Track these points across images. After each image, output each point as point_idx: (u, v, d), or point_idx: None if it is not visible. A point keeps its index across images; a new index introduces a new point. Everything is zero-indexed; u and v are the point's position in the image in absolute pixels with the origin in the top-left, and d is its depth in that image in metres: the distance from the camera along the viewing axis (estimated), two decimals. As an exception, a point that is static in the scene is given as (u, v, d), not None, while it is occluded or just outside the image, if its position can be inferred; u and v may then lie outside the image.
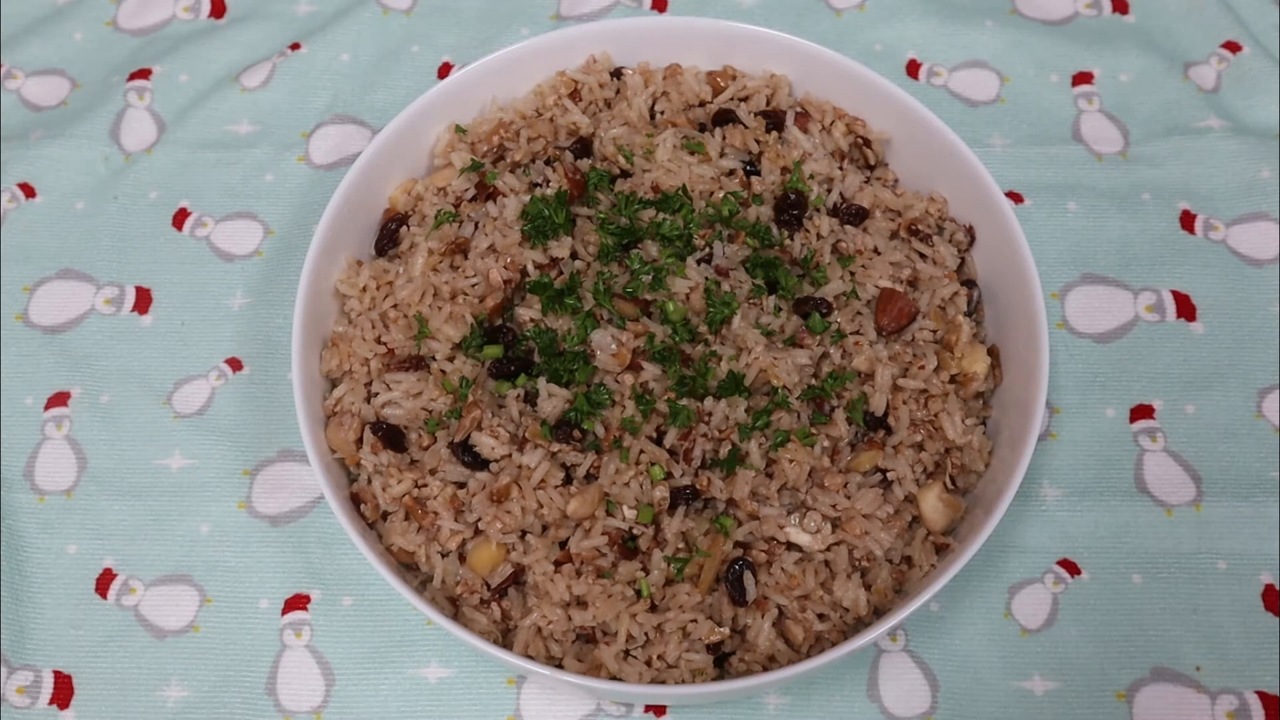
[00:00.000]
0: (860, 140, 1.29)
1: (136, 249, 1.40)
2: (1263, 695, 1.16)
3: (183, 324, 1.36)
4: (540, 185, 1.23)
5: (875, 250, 1.21)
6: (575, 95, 1.31)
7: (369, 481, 1.15)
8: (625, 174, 1.25)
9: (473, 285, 1.18)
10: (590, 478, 1.10)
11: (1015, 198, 1.39)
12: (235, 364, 1.34)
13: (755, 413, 1.10)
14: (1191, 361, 1.30)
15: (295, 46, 1.52)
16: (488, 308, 1.16)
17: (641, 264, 1.16)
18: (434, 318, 1.17)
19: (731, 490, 1.09)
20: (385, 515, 1.16)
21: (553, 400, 1.11)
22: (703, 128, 1.30)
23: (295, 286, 1.18)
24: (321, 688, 1.19)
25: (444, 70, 1.51)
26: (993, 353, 1.21)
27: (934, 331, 1.19)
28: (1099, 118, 1.45)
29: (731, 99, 1.31)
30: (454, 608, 1.12)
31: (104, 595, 1.23)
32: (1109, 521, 1.23)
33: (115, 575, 1.24)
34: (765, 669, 1.08)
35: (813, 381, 1.13)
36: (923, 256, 1.23)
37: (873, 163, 1.30)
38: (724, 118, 1.28)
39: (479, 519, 1.10)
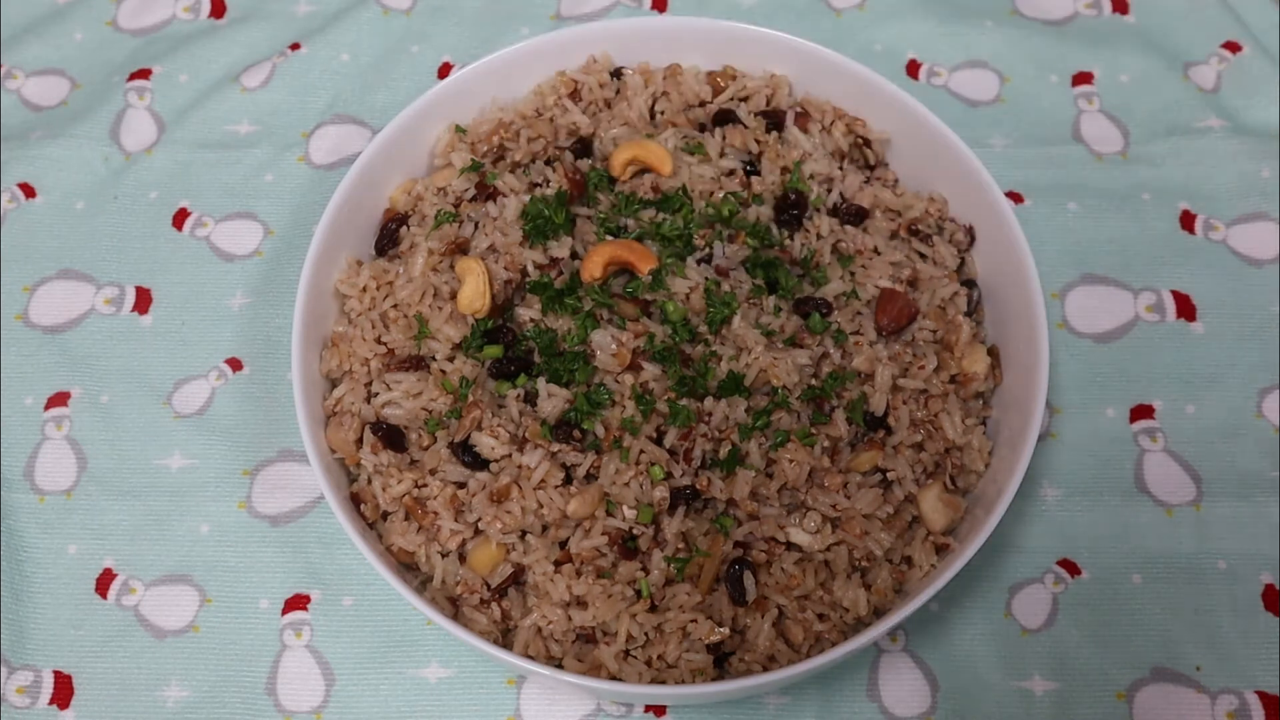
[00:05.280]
0: (860, 140, 1.29)
1: (136, 249, 1.40)
2: (1263, 695, 1.16)
3: (183, 324, 1.36)
4: (540, 185, 1.23)
5: (875, 250, 1.21)
6: (575, 95, 1.31)
7: (369, 481, 1.15)
8: (625, 174, 1.25)
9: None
10: (590, 478, 1.10)
11: (1015, 198, 1.39)
12: (235, 364, 1.34)
13: (755, 413, 1.10)
14: (1191, 361, 1.30)
15: (295, 46, 1.52)
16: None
17: (641, 264, 1.16)
18: (434, 318, 1.17)
19: (731, 490, 1.09)
20: (385, 515, 1.16)
21: (553, 400, 1.11)
22: (703, 128, 1.30)
23: (295, 286, 1.18)
24: (321, 688, 1.19)
25: (444, 70, 1.51)
26: (993, 353, 1.21)
27: (934, 331, 1.19)
28: (1099, 118, 1.45)
29: (731, 99, 1.31)
30: (454, 608, 1.12)
31: (104, 595, 1.23)
32: (1109, 521, 1.23)
33: (115, 575, 1.24)
34: (765, 669, 1.08)
35: (813, 381, 1.13)
36: (923, 256, 1.23)
37: (873, 163, 1.30)
38: (724, 118, 1.28)
39: (479, 519, 1.10)
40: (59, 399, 1.32)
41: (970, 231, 1.25)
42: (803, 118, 1.28)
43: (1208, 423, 1.27)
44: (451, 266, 1.19)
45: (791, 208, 1.21)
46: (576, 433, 1.10)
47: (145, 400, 1.32)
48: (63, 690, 1.19)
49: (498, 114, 1.31)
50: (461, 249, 1.20)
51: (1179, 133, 1.43)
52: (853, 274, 1.19)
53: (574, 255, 1.18)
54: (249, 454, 1.29)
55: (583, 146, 1.27)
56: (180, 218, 1.42)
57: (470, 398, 1.12)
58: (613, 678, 1.07)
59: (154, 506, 1.27)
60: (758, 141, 1.27)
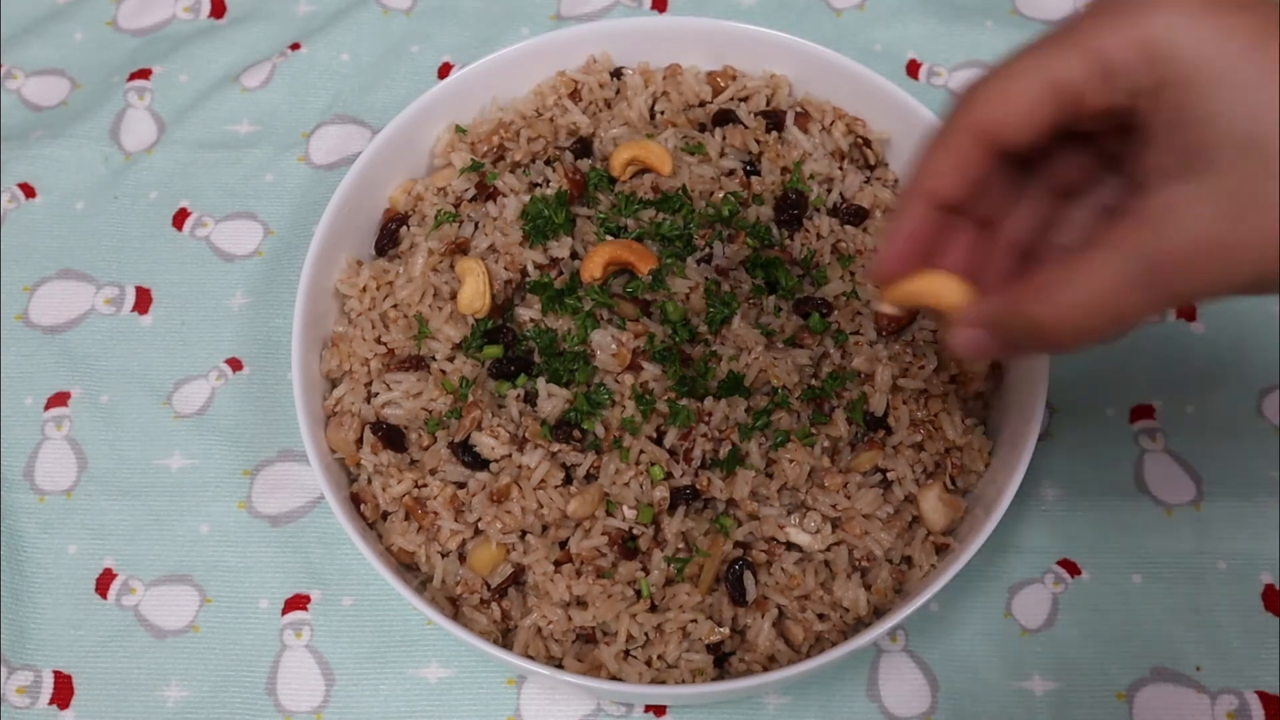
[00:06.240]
0: (860, 140, 1.29)
1: (136, 249, 1.40)
2: (1263, 695, 1.16)
3: (183, 324, 1.36)
4: (540, 185, 1.23)
5: (875, 250, 1.21)
6: (575, 95, 1.31)
7: (369, 481, 1.15)
8: (625, 174, 1.25)
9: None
10: (590, 478, 1.10)
11: (1015, 198, 1.39)
12: (235, 364, 1.34)
13: (755, 413, 1.10)
14: (1191, 361, 1.30)
15: (295, 46, 1.52)
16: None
17: (641, 264, 1.16)
18: (434, 318, 1.17)
19: (731, 490, 1.09)
20: (385, 515, 1.16)
21: (553, 400, 1.11)
22: (703, 128, 1.30)
23: (295, 286, 1.18)
24: (321, 688, 1.19)
25: (444, 70, 1.51)
26: (993, 353, 1.20)
27: (934, 331, 1.19)
28: (1099, 118, 1.45)
29: (731, 99, 1.31)
30: (454, 608, 1.12)
31: (104, 595, 1.23)
32: (1109, 521, 1.23)
33: (115, 575, 1.24)
34: (765, 669, 1.08)
35: (813, 381, 1.13)
36: (923, 256, 1.23)
37: (873, 163, 1.30)
38: (724, 118, 1.28)
39: (479, 519, 1.10)
40: (59, 399, 1.32)
41: (970, 231, 1.25)
42: (803, 118, 1.28)
43: (1208, 423, 1.27)
44: (451, 266, 1.19)
45: (791, 208, 1.21)
46: (576, 433, 1.10)
47: (145, 400, 1.32)
48: (63, 690, 1.19)
49: (498, 114, 1.31)
50: (461, 249, 1.20)
51: (1179, 133, 1.43)
52: (853, 274, 1.19)
53: (574, 255, 1.18)
54: (249, 454, 1.29)
55: (583, 146, 1.27)
56: (180, 218, 1.42)
57: (470, 398, 1.12)
58: (613, 678, 1.07)
59: (154, 506, 1.27)
60: (758, 141, 1.27)
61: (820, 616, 1.09)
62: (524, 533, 1.10)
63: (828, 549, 1.10)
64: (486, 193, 1.23)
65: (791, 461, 1.09)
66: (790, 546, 1.10)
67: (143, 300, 1.38)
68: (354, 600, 1.22)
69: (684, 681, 1.07)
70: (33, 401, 1.32)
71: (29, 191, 1.44)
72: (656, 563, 1.08)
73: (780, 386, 1.11)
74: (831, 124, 1.29)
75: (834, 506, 1.10)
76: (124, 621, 1.22)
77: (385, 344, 1.18)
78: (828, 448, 1.11)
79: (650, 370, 1.11)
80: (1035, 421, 1.10)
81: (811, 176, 1.25)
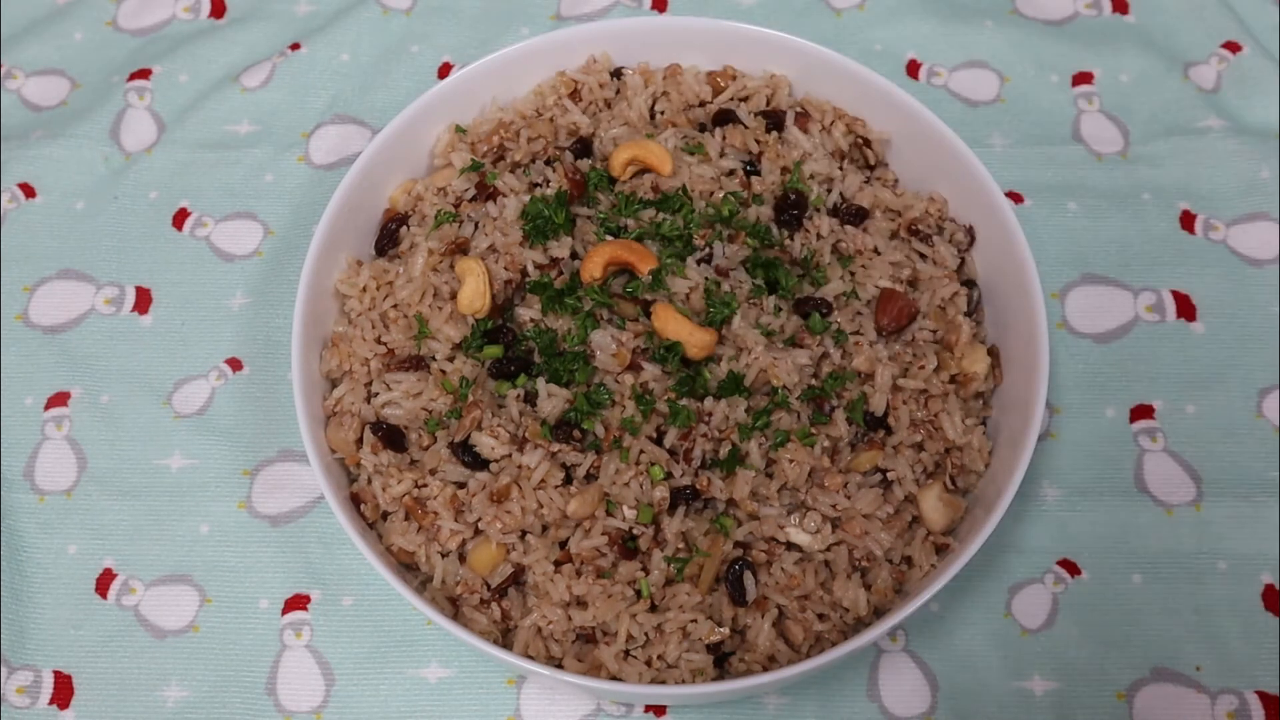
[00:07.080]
0: (860, 140, 1.29)
1: (136, 249, 1.40)
2: (1263, 695, 1.16)
3: (183, 324, 1.36)
4: (540, 185, 1.23)
5: (875, 250, 1.21)
6: (575, 95, 1.31)
7: (369, 481, 1.15)
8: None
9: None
10: (590, 478, 1.10)
11: (1015, 198, 1.39)
12: (235, 364, 1.34)
13: (755, 413, 1.10)
14: (1191, 361, 1.30)
15: (295, 46, 1.52)
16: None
17: (641, 264, 1.16)
18: (434, 318, 1.17)
19: (731, 490, 1.09)
20: (385, 515, 1.16)
21: (553, 400, 1.11)
22: (703, 128, 1.30)
23: (295, 286, 1.18)
24: (321, 688, 1.19)
25: (444, 70, 1.51)
26: (993, 353, 1.21)
27: (934, 331, 1.19)
28: (1099, 118, 1.45)
29: (731, 99, 1.31)
30: (454, 608, 1.12)
31: (104, 595, 1.23)
32: (1109, 521, 1.23)
33: (115, 575, 1.24)
34: (765, 669, 1.08)
35: (813, 381, 1.13)
36: (923, 256, 1.23)
37: (873, 163, 1.30)
38: (724, 118, 1.28)
39: (479, 519, 1.10)
40: (59, 399, 1.32)
41: (970, 231, 1.25)
42: (803, 118, 1.28)
43: (1208, 423, 1.27)
44: (451, 266, 1.19)
45: (791, 208, 1.21)
46: (576, 433, 1.10)
47: (145, 400, 1.32)
48: (63, 690, 1.19)
49: (498, 114, 1.31)
50: (461, 249, 1.20)
51: (1179, 133, 1.43)
52: (853, 274, 1.19)
53: (574, 255, 1.18)
54: (249, 454, 1.29)
55: (583, 146, 1.27)
56: (180, 218, 1.42)
57: (470, 398, 1.12)
58: (613, 678, 1.07)
59: (154, 506, 1.27)
60: (758, 141, 1.27)
61: (820, 616, 1.09)
62: (524, 533, 1.10)
63: (828, 549, 1.10)
64: (486, 193, 1.23)
65: (791, 461, 1.09)
66: (790, 546, 1.10)
67: (143, 300, 1.38)
68: (354, 600, 1.22)
69: (684, 681, 1.07)
70: (33, 401, 1.32)
71: (29, 191, 1.44)
72: (656, 563, 1.08)
73: (780, 386, 1.11)
74: (831, 124, 1.29)
75: (834, 506, 1.10)
76: (124, 621, 1.22)
77: (385, 344, 1.18)
78: (828, 448, 1.11)
79: (650, 370, 1.11)
80: (1035, 421, 1.10)
81: (811, 176, 1.25)
